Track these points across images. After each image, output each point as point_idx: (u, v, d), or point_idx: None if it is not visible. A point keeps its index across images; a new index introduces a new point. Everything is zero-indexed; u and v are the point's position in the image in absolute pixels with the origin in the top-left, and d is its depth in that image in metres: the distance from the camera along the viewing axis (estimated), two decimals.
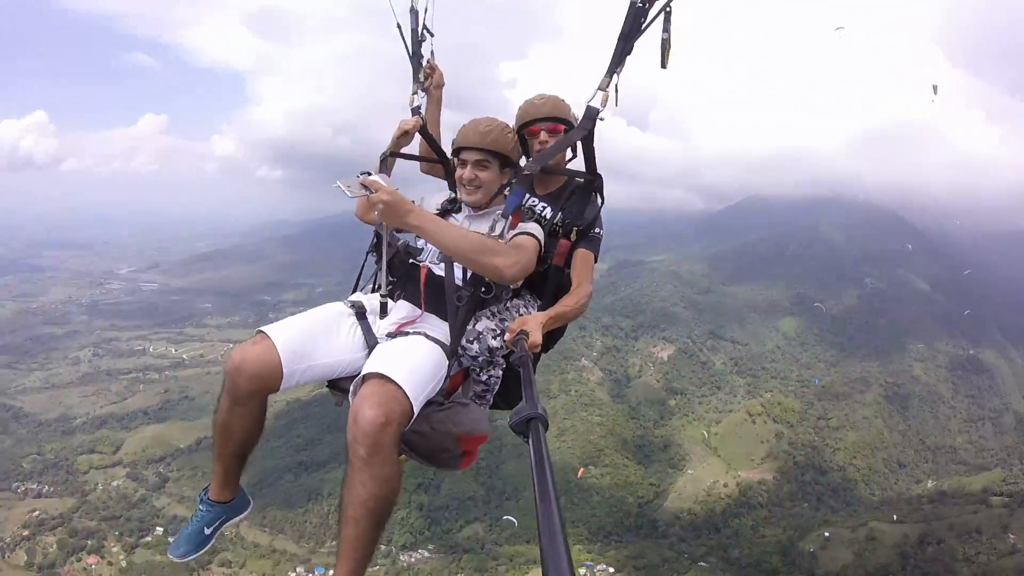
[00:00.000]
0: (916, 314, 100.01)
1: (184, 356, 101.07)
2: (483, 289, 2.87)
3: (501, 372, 2.96)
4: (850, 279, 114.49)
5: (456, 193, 3.37)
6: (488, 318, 2.92)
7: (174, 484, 64.11)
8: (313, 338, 2.68)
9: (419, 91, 3.87)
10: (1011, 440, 77.13)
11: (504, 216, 2.87)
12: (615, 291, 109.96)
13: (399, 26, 3.83)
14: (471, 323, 2.86)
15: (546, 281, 3.23)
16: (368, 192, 2.57)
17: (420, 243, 3.11)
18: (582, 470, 62.92)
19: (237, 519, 3.17)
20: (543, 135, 3.34)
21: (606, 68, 2.79)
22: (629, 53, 2.76)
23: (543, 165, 2.99)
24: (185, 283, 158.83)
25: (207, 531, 3.01)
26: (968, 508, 51.91)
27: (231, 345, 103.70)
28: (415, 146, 3.79)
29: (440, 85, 4.02)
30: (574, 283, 3.26)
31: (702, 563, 52.14)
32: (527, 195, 3.45)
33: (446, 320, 2.84)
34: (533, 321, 2.77)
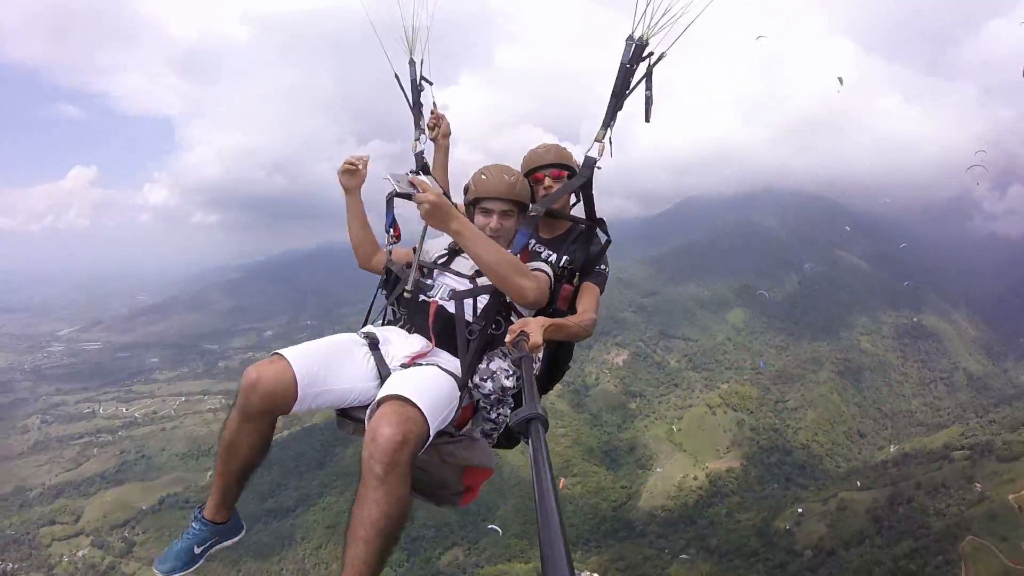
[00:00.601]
0: (857, 291, 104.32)
1: (136, 414, 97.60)
2: (493, 325, 2.93)
3: (510, 411, 2.96)
4: (790, 265, 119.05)
5: None
6: (501, 358, 2.93)
7: (141, 548, 61.56)
8: (328, 364, 2.66)
9: (422, 138, 3.89)
10: (964, 396, 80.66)
11: (512, 253, 2.98)
12: None
13: (397, 77, 3.92)
14: (484, 362, 2.89)
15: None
16: (415, 190, 2.69)
17: (429, 280, 3.14)
18: (562, 481, 63.11)
19: (228, 542, 3.07)
20: (548, 181, 3.50)
21: (601, 122, 3.04)
22: (620, 109, 3.01)
23: (547, 208, 3.21)
24: (129, 338, 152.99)
25: (197, 550, 2.90)
26: (932, 466, 53.94)
27: (183, 399, 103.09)
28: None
29: (447, 134, 4.08)
30: (579, 310, 3.34)
31: (683, 556, 52.67)
32: (535, 242, 3.60)
33: (456, 356, 2.89)
34: (535, 323, 2.76)
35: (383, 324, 3.27)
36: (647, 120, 3.09)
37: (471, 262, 3.10)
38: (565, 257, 3.41)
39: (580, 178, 3.19)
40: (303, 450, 74.76)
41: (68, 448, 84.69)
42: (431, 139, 3.96)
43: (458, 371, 2.80)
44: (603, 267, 3.41)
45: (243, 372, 2.56)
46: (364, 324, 3.25)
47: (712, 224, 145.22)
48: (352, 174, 3.29)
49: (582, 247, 3.40)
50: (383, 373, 2.75)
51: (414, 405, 2.29)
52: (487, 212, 3.12)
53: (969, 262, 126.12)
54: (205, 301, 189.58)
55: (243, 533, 3.15)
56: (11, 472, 78.27)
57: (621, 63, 2.92)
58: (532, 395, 1.90)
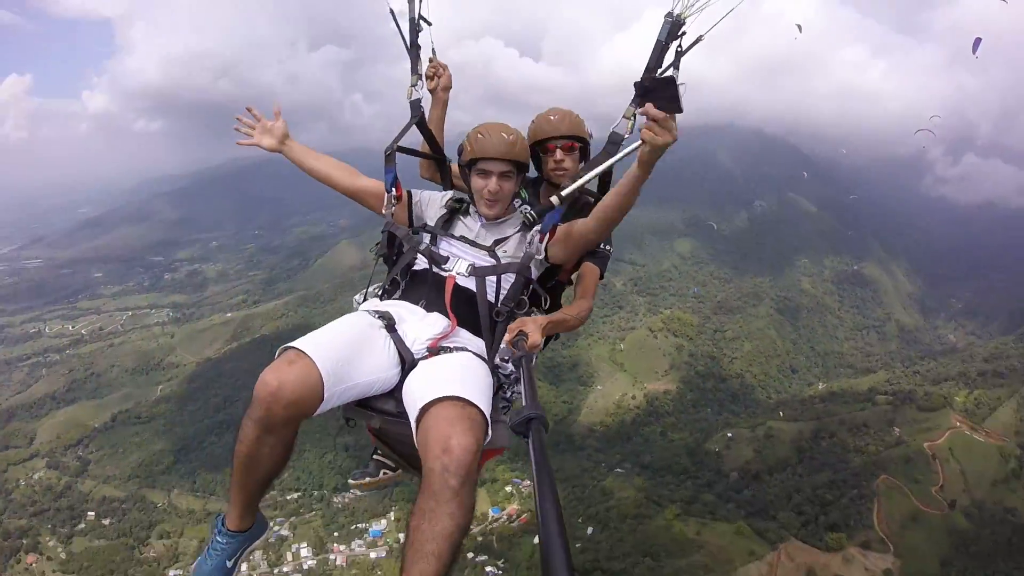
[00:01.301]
0: (804, 233, 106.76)
1: (83, 332, 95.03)
2: (517, 305, 2.86)
3: (519, 384, 2.77)
4: (742, 202, 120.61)
5: (447, 190, 3.40)
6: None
7: (96, 466, 61.78)
8: (350, 357, 2.38)
9: (419, 84, 3.47)
10: (894, 346, 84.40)
11: (542, 232, 2.91)
12: None
13: (392, 12, 3.49)
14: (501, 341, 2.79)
15: (550, 297, 3.18)
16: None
17: (444, 251, 2.98)
18: None
19: (256, 543, 2.77)
20: (559, 153, 3.32)
21: (631, 100, 2.82)
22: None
23: (574, 194, 2.86)
24: (72, 254, 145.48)
25: (229, 564, 2.65)
26: (856, 406, 56.10)
27: (130, 314, 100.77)
28: (412, 140, 3.46)
29: (447, 87, 3.65)
30: (576, 296, 3.28)
31: (618, 469, 54.74)
32: (529, 208, 3.24)
33: (476, 335, 2.78)
34: (533, 323, 2.72)
35: (387, 297, 3.05)
36: (680, 110, 2.96)
37: (483, 228, 3.05)
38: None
39: (607, 155, 2.81)
40: (256, 362, 73.44)
41: (16, 370, 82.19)
42: (429, 90, 3.57)
43: (484, 354, 2.70)
44: (607, 247, 3.30)
45: (258, 380, 2.21)
46: (364, 298, 3.11)
47: (668, 153, 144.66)
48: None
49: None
50: (405, 357, 2.55)
51: (474, 405, 2.14)
52: (485, 174, 2.95)
53: (915, 221, 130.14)
54: (149, 212, 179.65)
55: (270, 527, 2.89)
56: None
57: (656, 40, 2.71)
58: (533, 395, 1.87)
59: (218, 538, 2.63)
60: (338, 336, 2.44)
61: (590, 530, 47.01)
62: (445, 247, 3.00)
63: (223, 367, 75.03)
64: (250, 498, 2.56)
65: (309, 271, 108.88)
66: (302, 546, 49.78)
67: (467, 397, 2.14)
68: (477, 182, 2.99)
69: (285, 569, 48.20)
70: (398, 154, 3.24)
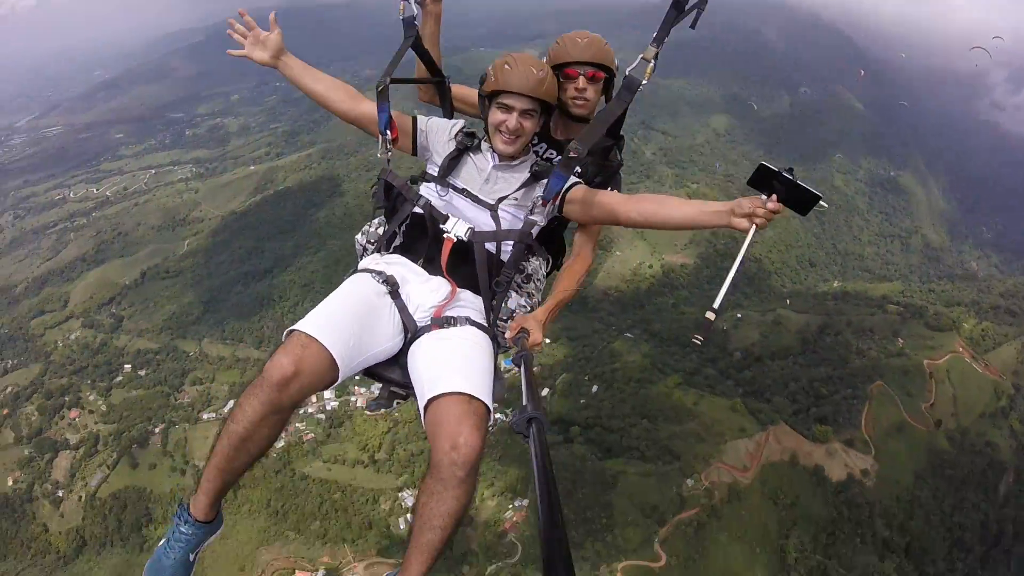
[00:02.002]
0: (845, 129, 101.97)
1: (107, 194, 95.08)
2: (518, 271, 2.83)
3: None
4: (786, 86, 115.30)
5: (451, 117, 3.27)
6: (517, 293, 2.83)
7: (129, 321, 64.40)
8: (359, 332, 2.38)
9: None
10: (916, 260, 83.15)
11: (546, 199, 2.72)
12: None
13: None
14: (504, 300, 2.78)
15: (552, 236, 3.10)
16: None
17: (443, 207, 2.86)
18: None
19: (213, 538, 2.49)
20: (582, 82, 3.00)
21: (653, 37, 2.64)
22: (679, 22, 2.66)
23: (588, 145, 2.67)
24: (90, 118, 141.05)
25: (191, 557, 2.40)
26: (866, 310, 56.18)
27: (152, 172, 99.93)
28: (408, 68, 3.21)
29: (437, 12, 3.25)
30: (575, 249, 3.12)
31: (628, 334, 55.71)
32: (538, 140, 3.23)
33: (477, 294, 2.76)
34: (533, 319, 2.69)
35: (387, 250, 2.95)
36: (692, 27, 2.76)
37: (494, 169, 2.88)
38: (577, 168, 2.92)
39: (621, 103, 2.70)
40: (279, 214, 75.04)
41: (45, 238, 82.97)
42: (418, 2, 3.13)
43: (483, 317, 2.70)
44: (612, 191, 3.07)
45: (268, 365, 2.15)
46: (364, 238, 3.03)
47: (717, 24, 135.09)
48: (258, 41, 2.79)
49: (597, 160, 3.12)
50: (409, 326, 2.57)
51: (479, 400, 2.20)
52: (507, 108, 2.73)
53: (963, 141, 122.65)
54: (166, 70, 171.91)
55: (223, 526, 2.58)
56: None
57: None
58: (533, 395, 1.86)
59: (182, 528, 2.36)
60: (346, 314, 2.40)
61: (595, 388, 48.97)
62: (445, 202, 2.85)
63: (247, 219, 76.53)
64: (225, 485, 2.34)
65: (332, 123, 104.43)
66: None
67: (472, 393, 2.19)
68: (496, 116, 2.76)
69: (309, 410, 50.64)
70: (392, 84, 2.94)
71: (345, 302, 2.49)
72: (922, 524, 39.33)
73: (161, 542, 2.39)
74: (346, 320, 2.36)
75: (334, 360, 2.21)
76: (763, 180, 2.10)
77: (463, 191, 2.85)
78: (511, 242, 2.78)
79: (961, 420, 44.93)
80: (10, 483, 48.15)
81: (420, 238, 2.83)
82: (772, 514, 39.08)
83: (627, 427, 44.51)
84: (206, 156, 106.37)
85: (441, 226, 2.77)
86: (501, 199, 2.82)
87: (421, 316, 2.60)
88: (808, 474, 41.01)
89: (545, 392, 49.88)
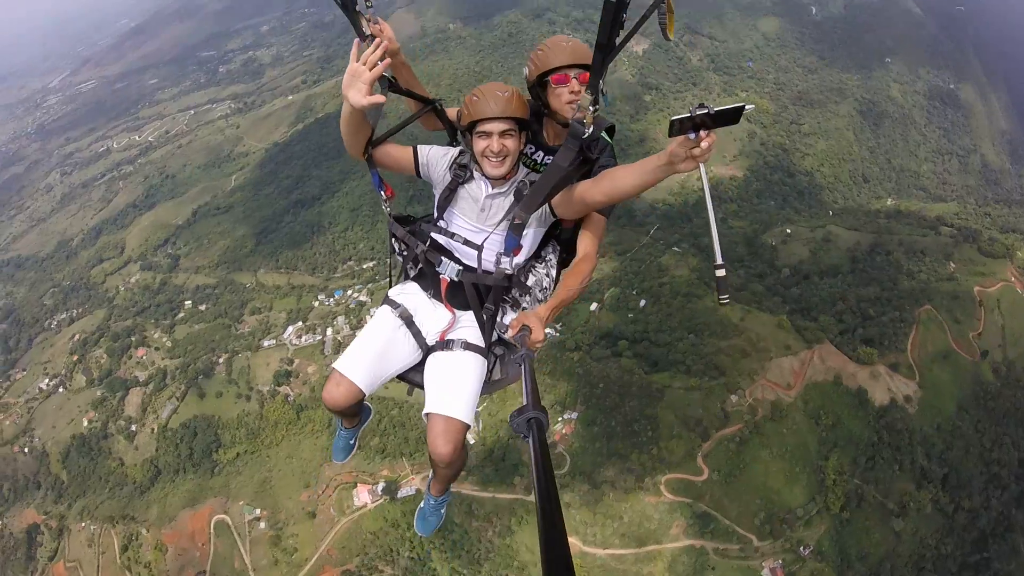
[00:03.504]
0: (903, 35, 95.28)
1: (150, 139, 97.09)
2: (505, 289, 3.30)
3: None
4: None
5: (456, 143, 3.47)
6: (512, 308, 3.27)
7: (186, 260, 66.58)
8: (381, 362, 3.25)
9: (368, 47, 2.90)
10: (973, 181, 79.01)
11: (505, 252, 3.19)
12: None
13: None
14: (499, 316, 3.31)
15: (560, 238, 3.49)
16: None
17: (444, 241, 3.33)
18: None
19: (365, 425, 4.10)
20: (575, 84, 3.05)
21: (587, 85, 2.56)
22: (611, 60, 2.46)
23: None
24: (122, 67, 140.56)
25: (352, 442, 4.09)
26: (919, 231, 54.71)
27: (192, 112, 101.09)
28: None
29: (395, 51, 3.22)
30: (580, 251, 3.24)
31: (675, 248, 55.46)
32: (535, 149, 3.44)
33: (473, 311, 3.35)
34: (535, 317, 2.83)
35: (406, 277, 3.63)
36: (669, 37, 2.40)
37: (482, 208, 3.19)
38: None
39: (567, 154, 2.72)
40: (322, 141, 75.10)
41: (94, 190, 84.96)
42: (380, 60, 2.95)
43: (479, 338, 3.31)
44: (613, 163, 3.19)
45: (323, 394, 3.20)
46: (390, 285, 3.67)
47: None
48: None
49: (590, 136, 2.95)
50: (422, 345, 3.36)
51: (457, 419, 3.03)
52: (486, 135, 2.99)
53: None
54: (192, 8, 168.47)
55: (372, 413, 4.15)
56: (49, 230, 79.77)
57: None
58: (532, 395, 1.94)
59: (341, 431, 4.03)
60: (368, 353, 3.24)
61: (643, 302, 49.28)
62: (446, 238, 3.29)
63: (292, 149, 77.29)
64: (348, 420, 3.89)
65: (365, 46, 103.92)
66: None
67: (451, 415, 3.03)
68: (479, 144, 3.01)
69: None
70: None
71: (370, 340, 3.30)
72: (961, 456, 39.10)
73: (336, 436, 4.11)
74: (368, 357, 3.23)
75: (361, 389, 3.16)
76: (682, 126, 2.05)
77: (453, 235, 3.26)
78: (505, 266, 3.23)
79: (1008, 352, 43.94)
80: (85, 424, 51.33)
81: (428, 271, 3.41)
82: (813, 434, 39.46)
83: (674, 341, 44.88)
84: (243, 91, 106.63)
85: (436, 268, 3.29)
86: (491, 233, 3.21)
87: (431, 338, 3.39)
88: (851, 396, 40.98)
89: (594, 307, 50.09)
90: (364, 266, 60.12)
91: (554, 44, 3.11)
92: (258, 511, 43.25)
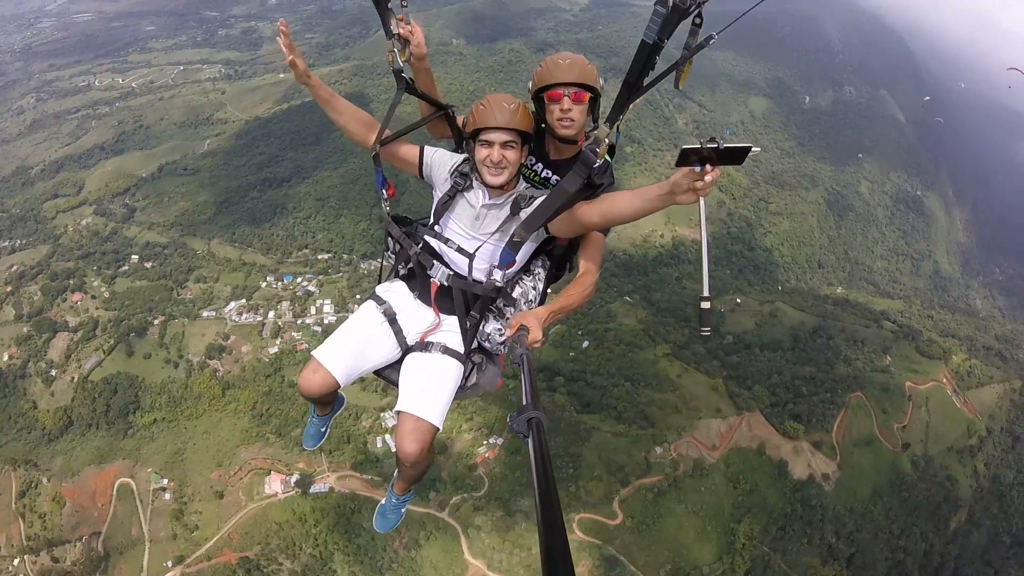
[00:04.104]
0: (882, 137, 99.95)
1: (133, 85, 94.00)
2: (491, 300, 3.33)
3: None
4: (832, 81, 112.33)
5: (462, 150, 3.53)
6: (494, 319, 3.30)
7: (142, 213, 64.50)
8: (359, 355, 3.33)
9: (396, 47, 3.18)
10: (922, 284, 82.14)
11: (500, 266, 3.24)
12: (592, 28, 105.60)
13: None
14: (481, 325, 3.35)
15: (552, 254, 3.50)
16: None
17: (437, 245, 3.40)
18: None
19: (338, 412, 4.21)
20: (566, 102, 3.08)
21: (606, 116, 2.68)
22: (636, 99, 2.61)
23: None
24: (123, 7, 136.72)
25: (323, 429, 4.22)
26: (862, 321, 56.58)
27: (181, 68, 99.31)
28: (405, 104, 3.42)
29: (421, 56, 3.35)
30: (581, 267, 3.30)
31: (627, 298, 56.34)
32: (535, 160, 3.45)
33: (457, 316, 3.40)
34: (534, 317, 2.86)
35: (395, 276, 3.69)
36: (679, 86, 2.66)
37: (484, 207, 3.26)
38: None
39: (575, 180, 2.80)
40: (303, 125, 74.17)
41: (65, 123, 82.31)
42: (403, 62, 3.27)
43: (460, 344, 3.35)
44: (613, 185, 3.22)
45: (299, 379, 3.33)
46: (379, 281, 3.73)
47: (776, 5, 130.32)
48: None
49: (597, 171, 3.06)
50: (402, 344, 3.43)
51: (426, 420, 3.11)
52: (488, 144, 3.06)
53: (996, 178, 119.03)
54: None
55: (345, 401, 4.22)
56: (10, 153, 76.91)
57: (652, 42, 2.35)
58: (532, 395, 1.96)
59: (312, 419, 4.17)
60: (349, 344, 3.34)
61: (585, 343, 49.99)
62: (440, 243, 3.37)
63: (271, 127, 76.05)
64: (320, 407, 4.00)
65: (369, 41, 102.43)
66: (326, 302, 53.54)
67: (421, 416, 3.11)
68: (480, 152, 3.08)
69: (308, 321, 52.16)
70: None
71: (351, 333, 3.40)
72: (869, 539, 40.28)
73: (308, 423, 4.24)
74: (348, 349, 3.31)
75: (336, 379, 3.25)
76: (689, 158, 2.11)
77: (448, 241, 3.34)
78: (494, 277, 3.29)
79: (929, 448, 45.63)
80: (5, 358, 49.45)
81: (419, 273, 3.45)
82: (730, 496, 40.28)
83: (609, 386, 45.58)
84: (236, 58, 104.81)
85: (428, 271, 3.35)
86: (484, 242, 3.28)
87: (412, 338, 3.45)
88: (772, 466, 42.11)
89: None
90: (319, 257, 59.32)
91: (553, 62, 3.15)
92: (165, 481, 42.01)
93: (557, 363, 48.15)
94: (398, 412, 3.18)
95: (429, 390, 3.20)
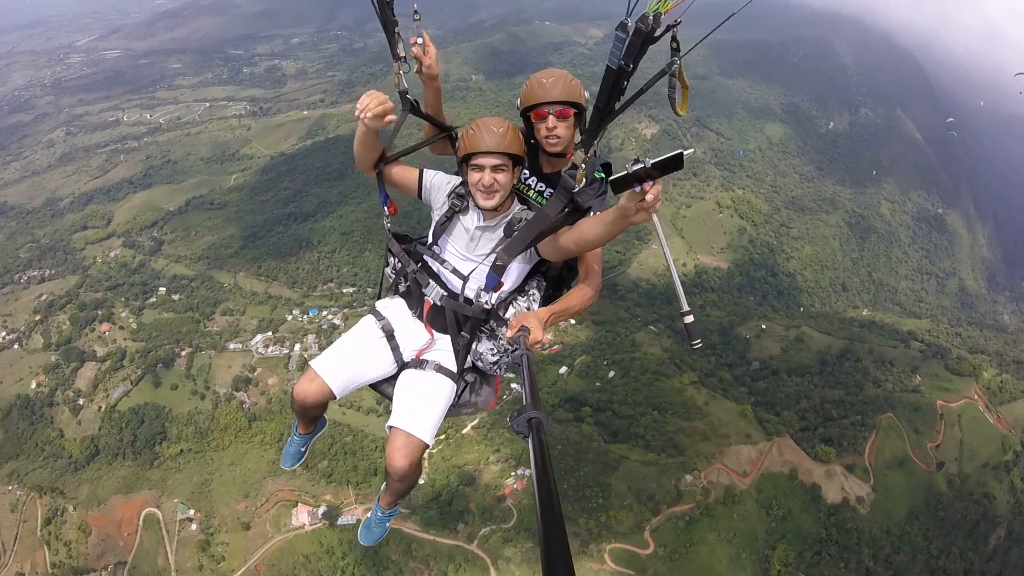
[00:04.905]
0: (900, 157, 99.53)
1: (161, 121, 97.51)
2: (482, 321, 3.37)
3: (507, 356, 3.41)
4: (847, 104, 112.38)
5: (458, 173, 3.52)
6: (487, 339, 3.34)
7: (169, 246, 65.89)
8: (356, 368, 3.41)
9: (403, 70, 3.19)
10: (948, 302, 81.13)
11: (486, 289, 3.30)
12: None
13: None
14: (475, 344, 3.39)
15: (548, 275, 3.56)
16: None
17: (435, 267, 3.50)
18: None
19: (319, 434, 4.22)
20: (551, 120, 3.12)
21: (581, 140, 2.75)
22: (611, 120, 2.67)
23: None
24: (150, 45, 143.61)
25: (303, 449, 4.18)
26: (890, 342, 55.93)
27: (207, 105, 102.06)
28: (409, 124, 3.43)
29: (434, 76, 3.40)
30: (582, 272, 3.29)
31: (651, 327, 56.21)
32: (529, 173, 3.45)
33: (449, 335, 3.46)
34: (535, 318, 2.86)
35: (394, 292, 3.75)
36: (679, 112, 2.65)
37: (478, 229, 3.33)
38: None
39: (555, 205, 2.95)
40: (327, 160, 75.58)
41: (95, 157, 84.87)
42: (417, 73, 3.36)
43: (453, 363, 3.40)
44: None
45: (295, 387, 3.41)
46: (378, 297, 3.86)
47: (787, 28, 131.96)
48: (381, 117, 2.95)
49: (581, 193, 3.10)
50: (398, 360, 3.49)
51: (416, 436, 3.17)
52: (479, 168, 3.11)
53: (1018, 192, 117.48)
54: (230, 4, 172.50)
55: (327, 424, 4.28)
56: (40, 185, 79.24)
57: (616, 67, 2.41)
58: (532, 395, 1.94)
59: (294, 436, 4.12)
60: (347, 358, 3.43)
61: (611, 373, 49.74)
62: (437, 263, 3.48)
63: (296, 162, 77.69)
64: (307, 423, 4.00)
65: (388, 79, 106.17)
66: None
67: (411, 432, 3.17)
68: (472, 176, 3.14)
69: None
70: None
71: (349, 346, 3.49)
72: (907, 561, 39.39)
73: (288, 442, 4.18)
74: (345, 362, 3.40)
75: (332, 390, 3.33)
76: (626, 182, 2.12)
77: (443, 262, 3.43)
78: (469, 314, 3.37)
79: (964, 466, 44.77)
80: (33, 386, 50.13)
81: (414, 292, 3.55)
82: (763, 523, 39.58)
83: (637, 415, 45.25)
84: (261, 95, 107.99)
85: (423, 290, 3.45)
86: (478, 264, 3.35)
87: (407, 355, 3.50)
88: (805, 491, 41.42)
89: (563, 370, 50.67)
90: (344, 290, 59.94)
91: (537, 80, 3.18)
92: (192, 512, 42.05)
93: (583, 393, 47.95)
94: (390, 427, 3.22)
95: (421, 408, 3.25)
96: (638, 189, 2.11)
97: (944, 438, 46.15)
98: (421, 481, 41.97)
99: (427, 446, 3.23)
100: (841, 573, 38.24)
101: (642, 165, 2.03)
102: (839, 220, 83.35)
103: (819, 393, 48.84)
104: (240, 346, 53.29)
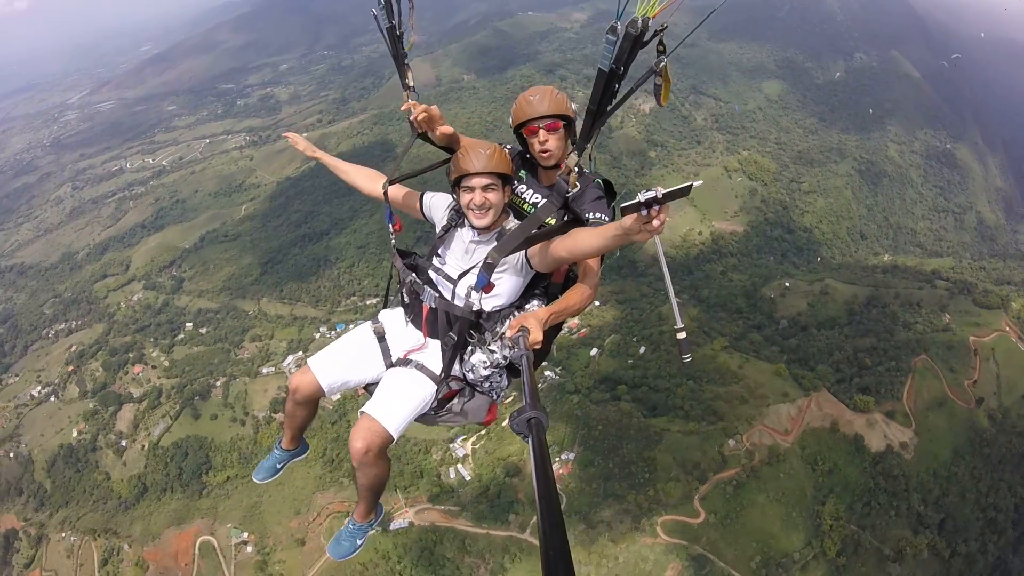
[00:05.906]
0: (901, 98, 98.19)
1: (164, 163, 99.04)
2: (470, 329, 3.38)
3: (500, 375, 3.46)
4: (841, 52, 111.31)
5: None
6: (480, 351, 3.33)
7: (190, 283, 66.90)
8: (347, 368, 3.55)
9: (412, 98, 3.44)
10: (968, 238, 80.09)
11: (476, 288, 3.25)
12: (596, 42, 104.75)
13: (375, 14, 3.41)
14: (467, 355, 3.38)
15: (547, 286, 3.58)
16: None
17: (434, 276, 3.57)
18: None
19: (299, 458, 4.27)
20: (542, 134, 3.26)
21: (574, 144, 2.90)
22: (602, 124, 2.80)
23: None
24: (142, 92, 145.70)
25: (279, 466, 4.17)
26: (915, 284, 55.52)
27: (207, 141, 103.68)
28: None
29: (446, 134, 3.52)
30: (581, 272, 3.33)
31: (676, 299, 56.79)
32: (526, 187, 3.58)
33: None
34: (534, 318, 2.92)
35: (398, 304, 3.84)
36: (661, 103, 2.73)
37: (472, 242, 3.42)
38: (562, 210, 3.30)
39: (547, 209, 3.14)
40: (334, 179, 76.31)
41: (104, 207, 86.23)
42: (419, 133, 3.58)
43: (439, 367, 3.43)
44: (603, 217, 3.23)
45: (290, 381, 3.60)
46: (384, 304, 4.02)
47: None
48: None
49: (580, 196, 3.27)
50: (387, 361, 3.59)
51: (378, 422, 3.15)
52: (470, 189, 3.21)
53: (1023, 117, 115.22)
54: (214, 42, 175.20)
55: (309, 449, 4.34)
56: (55, 242, 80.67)
57: (608, 69, 2.51)
58: (531, 395, 1.95)
59: (276, 450, 4.18)
60: (340, 358, 3.60)
61: (642, 349, 49.76)
62: (435, 272, 3.58)
63: (303, 184, 78.76)
64: (295, 432, 4.03)
65: (383, 89, 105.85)
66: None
67: (376, 418, 3.17)
68: (464, 197, 3.26)
69: None
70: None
71: (342, 347, 3.66)
72: (957, 501, 39.15)
73: (268, 455, 4.20)
74: (336, 361, 3.56)
75: (321, 387, 3.48)
76: (635, 208, 2.10)
77: (439, 271, 3.53)
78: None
79: (1003, 399, 44.20)
80: (75, 434, 51.08)
81: (411, 300, 3.66)
82: (810, 479, 39.48)
83: (672, 387, 45.23)
84: (258, 125, 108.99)
85: (420, 297, 3.55)
86: (467, 271, 3.40)
87: (395, 356, 3.61)
88: (848, 442, 41.17)
89: (594, 352, 50.77)
90: (368, 302, 60.48)
91: (525, 99, 3.32)
92: (245, 535, 42.60)
93: (617, 372, 48.00)
94: (361, 413, 3.26)
95: (392, 399, 3.30)
96: (644, 213, 2.10)
97: (980, 374, 45.58)
98: (467, 478, 42.36)
99: (391, 438, 3.20)
100: (893, 521, 38.11)
101: (654, 195, 2.02)
102: (849, 169, 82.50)
103: (851, 343, 48.51)
104: (273, 369, 53.97)
